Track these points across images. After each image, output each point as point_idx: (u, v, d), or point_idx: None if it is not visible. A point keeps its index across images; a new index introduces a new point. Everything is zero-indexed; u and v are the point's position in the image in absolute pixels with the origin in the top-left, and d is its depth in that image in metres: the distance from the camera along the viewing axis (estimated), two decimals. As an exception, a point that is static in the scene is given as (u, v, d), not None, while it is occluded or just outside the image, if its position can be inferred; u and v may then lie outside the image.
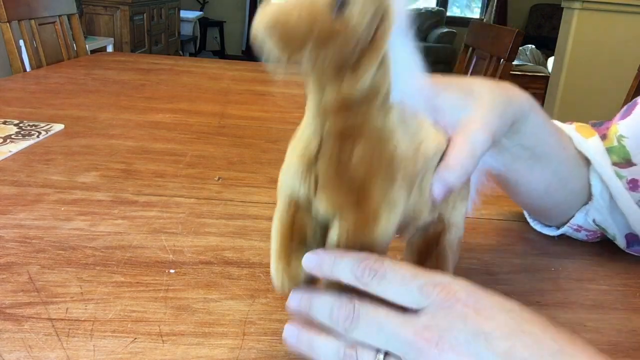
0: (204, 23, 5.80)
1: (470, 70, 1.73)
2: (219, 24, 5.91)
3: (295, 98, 1.23)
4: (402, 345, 0.29)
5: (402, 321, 0.30)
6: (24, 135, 0.82)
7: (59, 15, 1.61)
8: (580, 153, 0.54)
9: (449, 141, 0.39)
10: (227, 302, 0.44)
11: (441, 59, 5.72)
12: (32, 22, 1.47)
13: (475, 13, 6.81)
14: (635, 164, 0.53)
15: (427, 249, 0.41)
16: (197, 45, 5.75)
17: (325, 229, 0.35)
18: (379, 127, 0.33)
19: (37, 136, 0.82)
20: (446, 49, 5.79)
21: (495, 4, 6.11)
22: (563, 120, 0.59)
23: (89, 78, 1.31)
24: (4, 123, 0.87)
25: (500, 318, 0.29)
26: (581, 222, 0.57)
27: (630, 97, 1.38)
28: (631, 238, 0.56)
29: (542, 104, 3.33)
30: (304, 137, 0.34)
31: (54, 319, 0.40)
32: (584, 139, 0.54)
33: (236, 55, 5.93)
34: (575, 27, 2.92)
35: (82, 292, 0.44)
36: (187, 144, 0.85)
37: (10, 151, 0.75)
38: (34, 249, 0.50)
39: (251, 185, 0.70)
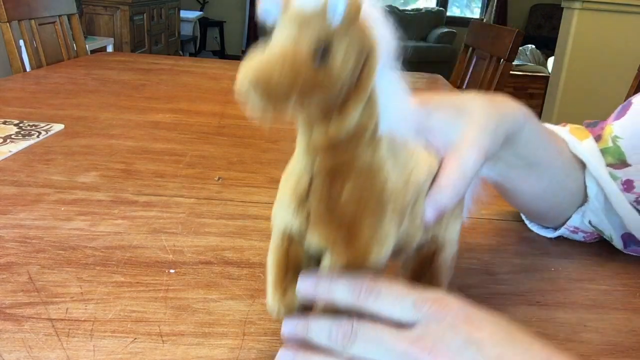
0: (204, 23, 5.80)
1: (470, 70, 1.73)
2: (219, 24, 5.91)
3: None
4: (398, 356, 0.30)
5: (398, 334, 0.31)
6: (24, 135, 0.82)
7: (59, 15, 1.61)
8: (575, 156, 0.54)
9: (440, 163, 0.40)
10: (227, 302, 0.44)
11: (441, 59, 5.72)
12: (32, 22, 1.47)
13: (475, 13, 6.81)
14: (630, 165, 0.53)
15: (421, 268, 0.41)
16: (197, 45, 5.75)
17: (318, 261, 0.36)
18: (368, 161, 0.33)
19: (37, 136, 0.82)
20: (446, 49, 5.79)
21: (495, 4, 6.11)
22: (563, 120, 0.59)
23: (89, 78, 1.31)
24: (4, 123, 0.87)
25: (490, 328, 0.31)
26: (577, 223, 0.57)
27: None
28: (627, 238, 0.57)
29: (542, 104, 3.33)
30: (295, 171, 0.34)
31: (54, 319, 0.40)
32: (579, 141, 0.54)
33: (236, 55, 5.93)
34: (575, 27, 2.92)
35: (82, 292, 0.44)
36: (187, 144, 0.85)
37: (10, 151, 0.75)
38: (34, 249, 0.50)
39: (251, 185, 0.70)
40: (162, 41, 4.40)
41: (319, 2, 0.28)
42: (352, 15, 0.28)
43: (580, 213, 0.56)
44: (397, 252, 0.38)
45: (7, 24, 1.36)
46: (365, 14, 0.30)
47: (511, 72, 1.61)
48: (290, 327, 0.35)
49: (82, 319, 0.41)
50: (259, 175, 0.74)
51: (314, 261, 0.36)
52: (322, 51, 0.28)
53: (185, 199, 0.64)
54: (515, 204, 0.60)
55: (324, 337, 0.33)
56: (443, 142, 0.40)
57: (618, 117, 0.56)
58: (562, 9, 3.04)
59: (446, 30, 5.90)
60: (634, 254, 0.58)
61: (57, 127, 0.87)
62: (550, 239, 0.61)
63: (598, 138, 0.56)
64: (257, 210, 0.62)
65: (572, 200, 0.56)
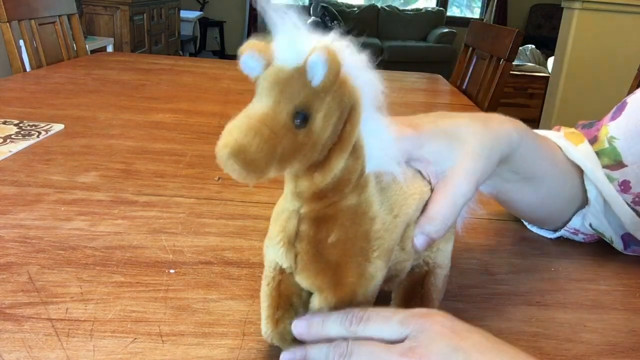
0: (204, 23, 5.79)
1: (470, 70, 1.73)
2: (219, 24, 5.90)
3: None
4: None
5: (390, 348, 0.32)
6: (24, 135, 0.82)
7: (59, 15, 1.61)
8: (571, 162, 0.54)
9: (432, 191, 0.40)
10: (227, 302, 0.44)
11: (441, 59, 5.72)
12: (32, 22, 1.47)
13: (475, 13, 6.81)
14: (626, 165, 0.53)
15: (412, 290, 0.42)
16: (197, 45, 5.75)
17: (310, 292, 0.37)
18: (354, 204, 0.34)
19: (37, 136, 0.82)
20: (446, 49, 5.79)
21: (495, 4, 6.11)
22: (563, 120, 0.59)
23: (89, 78, 1.31)
24: (4, 123, 0.87)
25: (475, 338, 0.32)
26: (578, 225, 0.57)
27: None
28: (627, 238, 0.57)
29: (542, 104, 3.33)
30: (284, 211, 0.35)
31: (54, 319, 0.40)
32: (574, 146, 0.54)
33: (236, 55, 5.90)
34: (575, 27, 2.92)
35: (82, 292, 0.44)
36: (187, 144, 0.85)
37: (10, 151, 0.75)
38: (34, 249, 0.50)
39: (251, 186, 0.70)
40: (162, 41, 4.40)
41: (299, 63, 0.28)
42: (332, 76, 0.28)
43: (580, 216, 0.56)
44: (388, 279, 0.39)
45: (7, 24, 1.36)
46: (347, 65, 0.29)
47: (511, 72, 1.61)
48: (289, 355, 0.36)
49: (82, 319, 0.41)
50: (259, 175, 0.74)
51: (306, 291, 0.37)
52: (303, 114, 0.28)
53: (185, 199, 0.64)
54: (514, 212, 0.61)
55: (322, 358, 0.34)
56: (436, 172, 0.40)
57: (613, 118, 0.56)
58: (562, 9, 3.04)
59: (446, 30, 5.90)
60: (634, 254, 0.58)
61: (57, 127, 0.87)
62: (550, 239, 0.61)
63: (594, 139, 0.56)
64: (257, 210, 0.62)
65: (570, 206, 0.56)
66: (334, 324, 0.35)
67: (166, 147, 0.82)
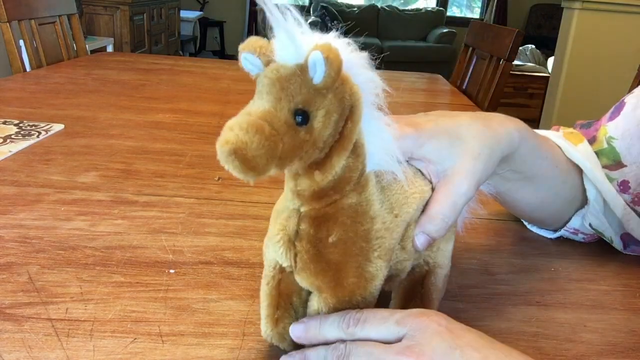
0: (204, 23, 5.79)
1: (470, 70, 1.73)
2: (219, 24, 5.90)
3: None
4: None
5: (387, 347, 0.33)
6: (24, 135, 0.82)
7: (59, 15, 1.61)
8: (571, 162, 0.54)
9: (432, 190, 0.40)
10: (227, 302, 0.44)
11: (441, 59, 5.72)
12: (32, 22, 1.47)
13: (475, 13, 6.81)
14: (625, 165, 0.53)
15: (412, 290, 0.42)
16: (197, 45, 5.75)
17: (309, 291, 0.37)
18: (354, 204, 0.34)
19: (37, 136, 0.82)
20: (446, 49, 5.79)
21: (495, 4, 6.11)
22: (563, 120, 0.59)
23: (89, 78, 1.31)
24: (4, 123, 0.87)
25: (471, 336, 0.33)
26: (578, 225, 0.57)
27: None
28: (626, 238, 0.57)
29: (542, 104, 3.33)
30: (285, 210, 0.35)
31: (54, 319, 0.40)
32: (573, 146, 0.54)
33: (236, 55, 5.91)
34: (575, 27, 2.92)
35: (82, 292, 0.44)
36: (187, 144, 0.85)
37: (10, 151, 0.75)
38: (34, 249, 0.50)
39: (251, 185, 0.70)
40: (162, 41, 4.40)
41: (300, 61, 0.28)
42: (334, 74, 0.28)
43: (580, 216, 0.56)
44: (389, 278, 0.38)
45: (7, 24, 1.36)
46: (348, 63, 0.29)
47: (511, 72, 1.61)
48: (288, 359, 0.36)
49: (82, 319, 0.41)
50: (259, 175, 0.74)
51: (306, 291, 0.37)
52: (303, 111, 0.28)
53: (185, 199, 0.64)
54: (514, 212, 0.61)
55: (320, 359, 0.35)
56: (437, 171, 0.40)
57: (612, 118, 0.56)
58: (562, 9, 3.04)
59: (446, 30, 5.90)
60: (633, 254, 0.58)
61: (57, 127, 0.87)
62: (550, 239, 0.61)
63: (593, 139, 0.56)
64: (257, 210, 0.62)
65: (570, 206, 0.56)
66: (331, 327, 0.35)
67: (166, 147, 0.82)
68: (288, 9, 0.29)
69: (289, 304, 0.38)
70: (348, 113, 0.31)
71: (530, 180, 0.50)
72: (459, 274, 0.51)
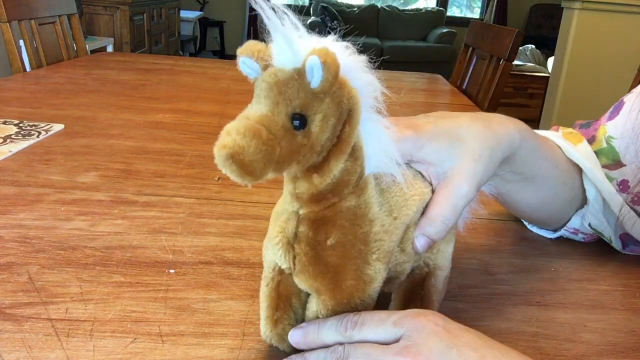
0: (204, 23, 5.80)
1: (470, 70, 1.73)
2: (219, 24, 5.90)
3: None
4: None
5: (385, 348, 0.33)
6: (24, 135, 0.82)
7: (59, 15, 1.61)
8: (571, 161, 0.54)
9: (433, 192, 0.40)
10: (227, 302, 0.44)
11: (441, 59, 5.72)
12: (32, 22, 1.47)
13: (475, 13, 6.81)
14: (624, 165, 0.53)
15: (412, 292, 0.42)
16: (197, 45, 5.75)
17: (309, 293, 0.37)
18: (353, 206, 0.34)
19: (37, 136, 0.82)
20: (446, 49, 5.79)
21: (495, 4, 6.11)
22: (563, 120, 0.59)
23: (89, 78, 1.31)
24: (4, 123, 0.87)
25: (468, 336, 0.33)
26: (577, 225, 0.57)
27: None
28: (626, 238, 0.57)
29: (542, 104, 3.33)
30: (284, 213, 0.35)
31: (54, 319, 0.40)
32: (573, 146, 0.54)
33: (236, 55, 5.91)
34: (575, 27, 2.92)
35: (82, 292, 0.44)
36: (187, 144, 0.85)
37: (10, 151, 0.75)
38: (34, 249, 0.50)
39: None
40: (162, 41, 4.40)
41: (297, 65, 0.28)
42: (331, 78, 0.28)
43: (580, 215, 0.56)
44: (388, 280, 0.38)
45: (7, 24, 1.36)
46: (346, 66, 0.29)
47: (511, 72, 1.61)
48: None
49: (82, 319, 0.41)
50: (259, 175, 0.74)
51: (305, 292, 0.37)
52: (301, 116, 0.28)
53: (185, 199, 0.64)
54: (514, 213, 0.61)
55: None
56: (437, 173, 0.40)
57: (611, 117, 0.56)
58: (562, 9, 3.04)
59: (446, 30, 5.90)
60: (632, 254, 0.58)
61: (57, 127, 0.87)
62: (550, 239, 0.61)
63: (592, 139, 0.56)
64: (257, 210, 0.62)
65: (570, 206, 0.56)
66: (329, 331, 0.35)
67: (166, 147, 0.82)
68: (285, 12, 0.29)
69: (289, 305, 0.38)
70: (346, 117, 0.31)
71: (530, 181, 0.50)
72: (459, 274, 0.51)
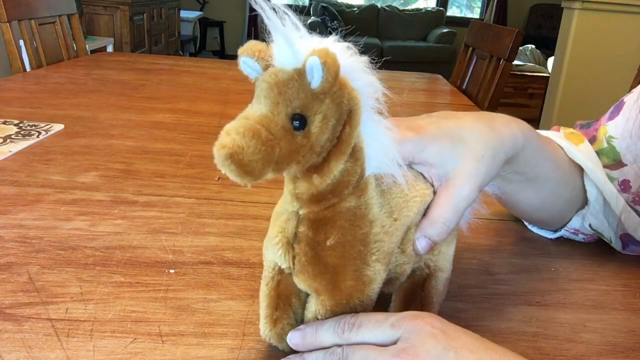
0: (204, 23, 5.79)
1: (470, 70, 1.73)
2: (219, 24, 5.90)
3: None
4: None
5: (383, 350, 0.33)
6: (24, 135, 0.82)
7: (59, 15, 1.61)
8: (572, 162, 0.54)
9: (434, 193, 0.40)
10: (227, 302, 0.44)
11: (441, 59, 5.72)
12: (32, 22, 1.47)
13: (475, 13, 6.81)
14: (625, 165, 0.53)
15: (412, 293, 0.42)
16: (197, 45, 5.75)
17: (309, 293, 0.37)
18: (352, 207, 0.34)
19: (37, 136, 0.82)
20: (446, 49, 5.79)
21: (495, 4, 6.11)
22: (563, 120, 0.59)
23: (89, 78, 1.31)
24: (4, 123, 0.87)
25: (465, 338, 0.33)
26: (578, 225, 0.57)
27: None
28: (626, 238, 0.57)
29: (542, 104, 3.32)
30: (284, 213, 0.35)
31: (54, 319, 0.40)
32: (575, 146, 0.54)
33: (236, 55, 5.90)
34: (575, 27, 2.92)
35: (82, 292, 0.44)
36: (187, 144, 0.85)
37: (10, 151, 0.75)
38: (34, 249, 0.50)
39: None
40: (162, 41, 4.40)
41: (298, 65, 0.28)
42: (331, 78, 0.28)
43: (580, 216, 0.56)
44: (388, 281, 0.38)
45: (7, 24, 1.36)
46: (346, 67, 0.29)
47: (511, 72, 1.61)
48: None
49: (82, 319, 0.41)
50: (259, 175, 0.74)
51: (305, 292, 0.37)
52: (301, 116, 0.28)
53: (185, 199, 0.64)
54: (515, 213, 0.61)
55: None
56: (439, 174, 0.40)
57: (612, 117, 0.56)
58: (562, 9, 3.04)
59: (446, 30, 5.90)
60: (632, 254, 0.58)
61: (57, 127, 0.87)
62: (551, 239, 0.61)
63: (593, 139, 0.55)
64: (257, 210, 0.62)
65: (570, 206, 0.56)
66: (327, 333, 0.35)
67: (166, 147, 0.82)
68: (286, 13, 0.28)
69: (288, 305, 0.38)
70: (346, 117, 0.31)
71: (532, 182, 0.50)
72: (459, 274, 0.51)
